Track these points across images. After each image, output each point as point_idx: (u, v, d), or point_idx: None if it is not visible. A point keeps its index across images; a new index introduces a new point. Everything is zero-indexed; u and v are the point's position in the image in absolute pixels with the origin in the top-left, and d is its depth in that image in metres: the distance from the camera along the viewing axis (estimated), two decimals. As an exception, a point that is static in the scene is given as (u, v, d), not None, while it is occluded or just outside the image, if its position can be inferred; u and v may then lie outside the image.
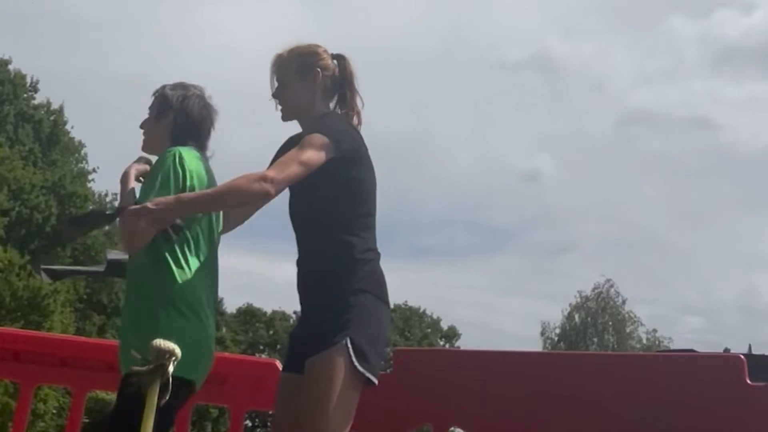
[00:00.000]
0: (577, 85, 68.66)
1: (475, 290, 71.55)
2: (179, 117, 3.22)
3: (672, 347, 34.31)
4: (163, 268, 2.99)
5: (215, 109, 3.32)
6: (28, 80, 35.25)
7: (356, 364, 2.69)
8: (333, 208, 2.81)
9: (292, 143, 2.95)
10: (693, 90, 63.41)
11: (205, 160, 3.23)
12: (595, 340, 41.18)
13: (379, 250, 2.93)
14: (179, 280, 2.99)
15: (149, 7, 64.16)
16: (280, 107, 3.07)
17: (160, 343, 2.80)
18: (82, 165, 37.38)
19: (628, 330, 41.86)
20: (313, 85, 3.00)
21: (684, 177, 63.31)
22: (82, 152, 37.57)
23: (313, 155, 2.75)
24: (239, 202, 2.82)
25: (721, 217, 63.66)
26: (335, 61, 3.07)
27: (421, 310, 53.48)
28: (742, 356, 3.56)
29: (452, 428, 4.20)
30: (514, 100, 69.81)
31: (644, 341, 41.55)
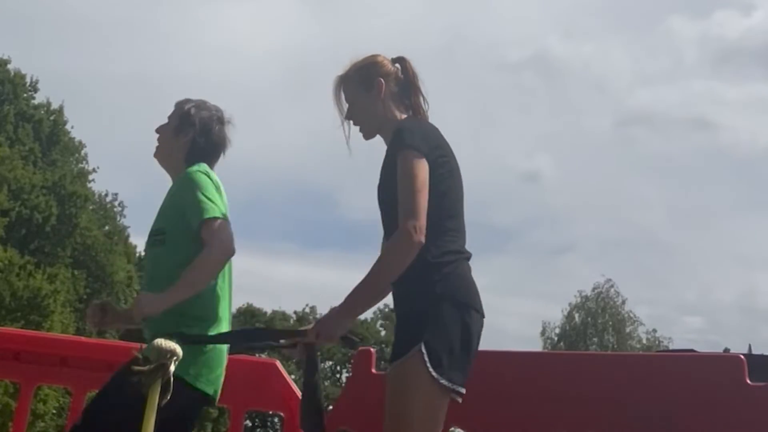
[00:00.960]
0: (577, 85, 68.63)
1: (475, 290, 71.25)
2: (199, 137, 3.29)
3: (672, 347, 34.30)
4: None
5: (228, 136, 3.39)
6: (28, 80, 35.26)
7: (432, 371, 2.63)
8: None
9: (387, 162, 2.89)
10: (692, 90, 63.45)
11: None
12: (595, 340, 41.17)
13: (465, 250, 2.84)
14: (198, 295, 3.05)
15: (149, 7, 64.22)
16: (357, 127, 3.03)
17: (161, 342, 2.81)
18: (82, 165, 37.37)
19: (628, 330, 41.84)
20: (380, 94, 2.96)
21: (684, 177, 63.32)
22: (82, 152, 37.58)
23: (422, 174, 2.72)
24: (402, 267, 2.72)
25: (720, 217, 63.69)
26: (396, 65, 3.04)
27: (421, 310, 53.36)
28: (742, 356, 3.56)
29: (452, 428, 4.20)
30: (514, 100, 69.89)
31: (644, 341, 41.53)
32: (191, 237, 3.06)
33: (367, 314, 52.47)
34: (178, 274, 3.01)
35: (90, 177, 37.05)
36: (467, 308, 2.75)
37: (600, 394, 3.65)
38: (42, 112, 35.46)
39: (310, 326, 2.83)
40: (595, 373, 3.75)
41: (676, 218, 61.73)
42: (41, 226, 32.28)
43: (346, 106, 3.03)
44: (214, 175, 3.22)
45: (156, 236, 3.19)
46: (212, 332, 3.10)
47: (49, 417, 27.62)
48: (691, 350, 10.80)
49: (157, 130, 3.35)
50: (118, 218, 38.99)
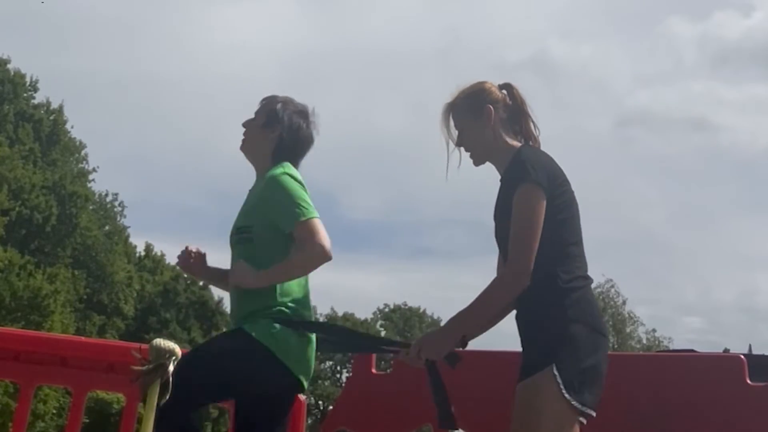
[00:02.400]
0: (576, 86, 68.66)
1: (475, 290, 70.45)
2: (286, 134, 3.35)
3: (672, 347, 34.32)
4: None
5: (317, 129, 3.45)
6: (28, 80, 35.27)
7: (564, 393, 2.65)
8: (539, 245, 2.76)
9: (504, 191, 2.92)
10: (691, 91, 63.50)
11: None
12: (595, 340, 41.12)
13: (589, 276, 2.90)
14: (280, 288, 3.17)
15: (149, 7, 64.20)
16: (468, 154, 3.04)
17: (160, 342, 2.81)
18: (82, 165, 37.39)
19: (628, 330, 41.87)
20: (488, 121, 2.96)
21: (683, 178, 63.36)
22: (82, 152, 37.58)
23: (538, 212, 2.76)
24: (502, 305, 2.86)
25: (720, 217, 63.69)
26: (504, 91, 3.04)
27: (421, 310, 53.49)
28: (743, 356, 3.57)
29: (452, 428, 4.19)
30: (513, 100, 69.73)
31: (644, 341, 41.56)
32: (279, 239, 3.17)
33: (367, 314, 52.49)
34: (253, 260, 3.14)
35: (90, 177, 37.08)
36: (597, 332, 2.79)
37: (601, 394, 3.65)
38: (42, 111, 35.46)
39: (413, 341, 2.89)
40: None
41: (675, 218, 61.84)
42: (41, 226, 32.28)
43: (455, 133, 3.05)
44: (298, 175, 3.29)
45: (242, 233, 3.26)
46: (301, 316, 3.18)
47: (49, 417, 27.64)
48: (691, 350, 10.80)
49: (244, 124, 3.42)
50: (118, 218, 39.03)
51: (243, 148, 3.43)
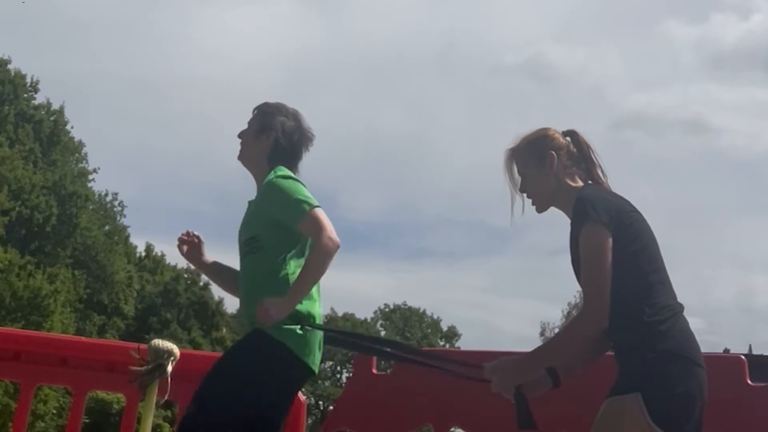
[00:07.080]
0: (573, 89, 68.75)
1: (474, 291, 71.67)
2: (280, 139, 3.41)
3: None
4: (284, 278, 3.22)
5: (312, 134, 3.51)
6: (28, 80, 35.25)
7: (651, 423, 2.64)
8: (617, 280, 2.76)
9: (573, 236, 2.90)
10: (689, 94, 63.60)
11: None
12: (595, 340, 41.19)
13: (677, 303, 2.86)
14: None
15: (149, 8, 64.23)
16: (530, 200, 3.05)
17: (159, 343, 2.82)
18: (82, 165, 37.38)
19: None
20: (551, 168, 2.96)
21: (682, 180, 63.46)
22: (82, 152, 37.57)
23: (604, 254, 2.75)
24: (575, 346, 2.90)
25: (718, 219, 63.78)
26: (567, 138, 3.04)
27: (421, 311, 53.53)
28: (743, 356, 3.57)
29: (452, 428, 4.20)
30: (510, 103, 69.94)
31: (644, 341, 41.58)
32: (286, 240, 3.23)
33: (368, 314, 52.52)
34: (277, 277, 3.18)
35: (90, 177, 37.06)
36: (691, 363, 2.77)
37: (600, 394, 3.64)
38: (42, 112, 35.44)
39: (486, 366, 2.89)
40: (595, 373, 3.75)
41: (674, 220, 61.84)
42: (41, 226, 32.27)
43: (518, 178, 3.05)
44: (294, 174, 3.35)
45: (251, 244, 3.29)
46: (309, 321, 3.22)
47: (49, 417, 27.63)
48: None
49: (239, 135, 3.48)
50: (118, 218, 39.02)
51: (241, 158, 3.49)
